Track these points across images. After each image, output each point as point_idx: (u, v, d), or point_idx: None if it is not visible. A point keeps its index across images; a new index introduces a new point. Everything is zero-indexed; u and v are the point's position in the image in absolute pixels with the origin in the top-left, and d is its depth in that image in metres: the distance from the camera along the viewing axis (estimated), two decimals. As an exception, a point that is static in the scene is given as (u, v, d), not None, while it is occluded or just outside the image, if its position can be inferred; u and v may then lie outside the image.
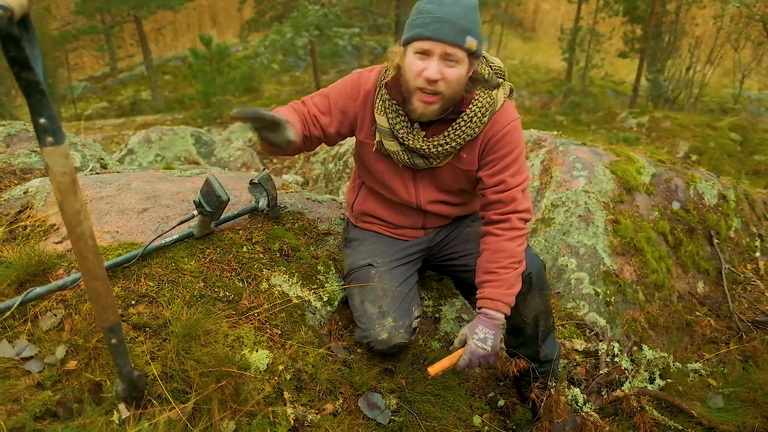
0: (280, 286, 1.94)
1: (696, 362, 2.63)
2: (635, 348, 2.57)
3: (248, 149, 5.80)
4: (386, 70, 1.75)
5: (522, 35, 26.01)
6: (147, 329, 1.58)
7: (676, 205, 3.38)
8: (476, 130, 1.72)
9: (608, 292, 2.77)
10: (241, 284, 1.86)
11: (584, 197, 3.09)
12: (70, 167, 1.06)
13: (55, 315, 1.55)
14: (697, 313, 3.06)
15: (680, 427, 2.10)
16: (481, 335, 1.73)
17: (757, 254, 3.59)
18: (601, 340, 2.55)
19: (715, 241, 3.44)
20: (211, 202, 1.76)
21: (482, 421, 1.92)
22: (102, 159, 3.23)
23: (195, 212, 1.82)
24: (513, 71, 18.87)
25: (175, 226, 1.84)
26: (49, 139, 1.03)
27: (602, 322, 2.64)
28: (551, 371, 2.03)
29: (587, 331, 2.61)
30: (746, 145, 8.90)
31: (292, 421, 1.58)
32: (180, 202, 2.11)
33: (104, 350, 1.50)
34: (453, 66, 1.56)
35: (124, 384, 1.37)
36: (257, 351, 1.68)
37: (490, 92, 1.71)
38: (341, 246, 2.18)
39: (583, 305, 2.70)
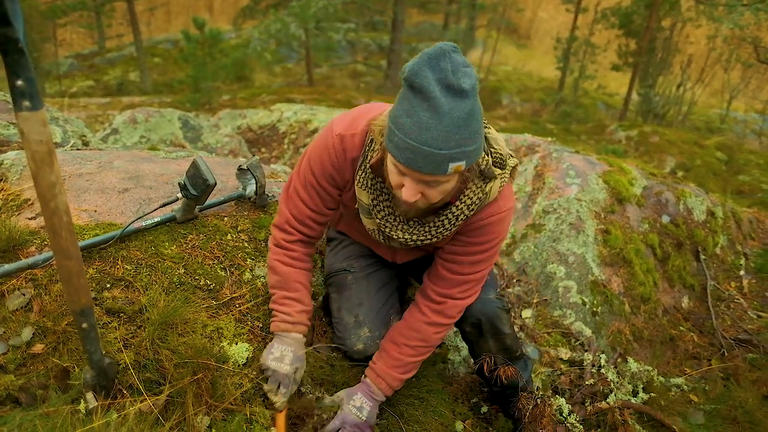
0: (264, 277, 1.86)
1: (678, 377, 2.62)
2: (620, 360, 2.54)
3: (236, 136, 5.69)
4: (371, 140, 1.47)
5: (517, 42, 26.10)
6: (121, 315, 1.50)
7: (665, 219, 3.37)
8: (460, 224, 1.51)
9: (595, 302, 2.74)
10: (223, 273, 1.78)
11: (576, 205, 3.06)
12: (47, 136, 0.98)
13: (24, 294, 1.45)
14: (681, 328, 3.05)
15: (662, 443, 2.07)
16: (358, 403, 1.64)
17: (742, 272, 3.60)
18: (586, 350, 2.52)
19: (702, 257, 3.44)
20: (197, 185, 1.68)
21: (464, 427, 1.87)
22: (84, 136, 3.11)
23: (179, 195, 1.73)
24: (506, 77, 18.92)
25: (157, 208, 1.76)
26: (26, 103, 0.95)
27: (588, 332, 2.61)
28: (519, 390, 1.94)
29: (573, 340, 2.58)
30: (731, 164, 9.00)
31: (271, 420, 1.51)
32: (164, 184, 2.02)
33: (74, 335, 1.41)
34: (435, 186, 1.30)
35: (94, 372, 1.29)
36: (237, 344, 1.60)
37: (483, 186, 1.45)
38: (324, 241, 2.12)
39: (570, 314, 2.66)
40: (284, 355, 1.58)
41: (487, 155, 1.41)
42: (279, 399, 1.55)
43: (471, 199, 1.44)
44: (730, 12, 9.66)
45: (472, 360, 2.16)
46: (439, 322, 1.66)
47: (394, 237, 1.55)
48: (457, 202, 1.45)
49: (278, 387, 1.55)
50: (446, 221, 1.48)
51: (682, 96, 12.86)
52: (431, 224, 1.50)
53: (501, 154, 1.46)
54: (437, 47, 1.17)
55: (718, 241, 3.61)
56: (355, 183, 1.54)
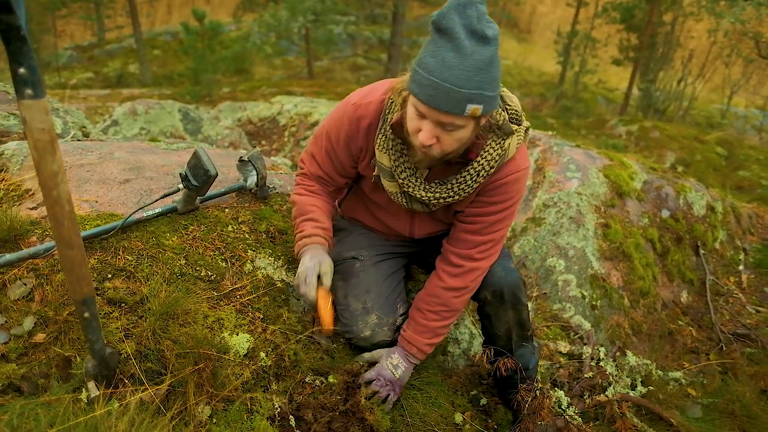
0: (265, 268, 1.87)
1: (677, 371, 2.63)
2: (619, 353, 2.55)
3: (237, 128, 5.67)
4: (391, 101, 1.54)
5: (517, 36, 26.02)
6: (123, 305, 1.50)
7: (665, 213, 3.38)
8: (482, 181, 1.56)
9: (595, 295, 2.75)
10: (224, 264, 1.78)
11: (576, 199, 3.06)
12: (49, 124, 0.98)
13: (25, 284, 1.46)
14: (680, 322, 3.06)
15: (660, 435, 2.08)
16: (395, 362, 1.73)
17: (741, 267, 3.61)
18: (585, 344, 2.52)
19: (701, 251, 3.45)
20: (198, 176, 1.68)
21: (464, 419, 1.88)
22: (84, 127, 3.11)
23: (180, 186, 1.73)
24: (507, 71, 18.87)
25: (158, 199, 1.76)
26: (29, 91, 0.94)
27: (587, 325, 2.62)
28: (527, 378, 1.97)
29: (572, 333, 2.59)
30: (732, 160, 9.00)
31: (271, 409, 1.52)
32: (165, 175, 2.02)
33: (75, 324, 1.41)
34: (451, 131, 1.35)
35: (95, 361, 1.29)
36: (238, 334, 1.61)
37: (502, 142, 1.50)
38: None
39: (569, 307, 2.67)
40: (303, 259, 1.67)
41: (504, 111, 1.50)
42: (309, 290, 1.61)
43: (491, 154, 1.50)
44: (732, 6, 9.62)
45: (471, 352, 2.17)
46: (457, 286, 1.70)
47: (417, 196, 1.60)
48: (478, 158, 1.51)
49: (319, 282, 1.64)
50: (468, 177, 1.53)
51: (683, 91, 12.84)
52: (453, 182, 1.56)
53: (516, 111, 1.54)
54: None
55: (718, 236, 3.62)
56: (376, 147, 1.60)
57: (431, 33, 1.29)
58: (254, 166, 2.02)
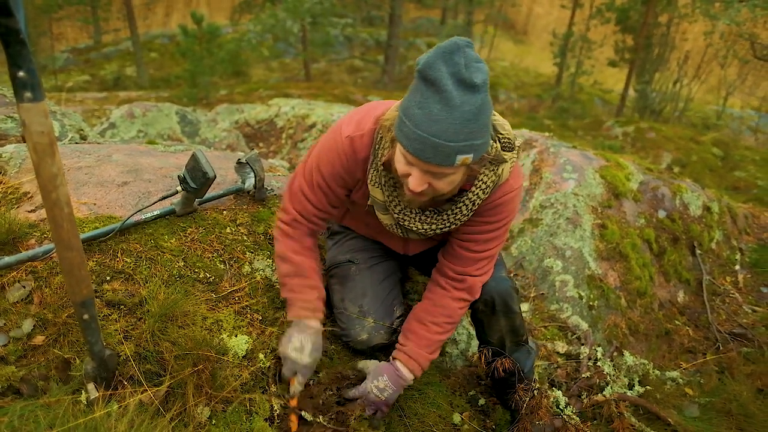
0: (263, 270, 1.87)
1: (674, 370, 2.64)
2: (616, 353, 2.56)
3: (234, 131, 5.68)
4: (380, 137, 1.48)
5: (514, 37, 26.09)
6: (121, 307, 1.51)
7: (662, 214, 3.39)
8: (476, 208, 1.54)
9: (592, 296, 2.76)
10: (222, 266, 1.79)
11: (573, 200, 3.07)
12: (48, 127, 0.99)
13: (24, 287, 1.46)
14: (677, 322, 3.07)
15: (657, 435, 2.09)
16: (382, 385, 1.65)
17: (737, 267, 3.62)
18: (582, 344, 2.53)
19: (698, 252, 3.46)
20: (196, 178, 1.68)
21: (462, 419, 1.88)
22: (82, 130, 3.11)
23: (179, 188, 1.74)
24: (503, 73, 18.92)
25: (156, 201, 1.76)
26: (28, 94, 0.95)
27: (584, 325, 2.63)
28: (524, 379, 1.96)
29: (569, 333, 2.60)
30: (727, 160, 9.04)
31: (270, 410, 1.53)
32: (162, 177, 2.02)
33: (74, 326, 1.42)
34: (442, 178, 1.32)
35: (95, 363, 1.30)
36: (236, 336, 1.61)
37: (495, 169, 1.47)
38: (325, 236, 2.12)
39: (567, 308, 2.68)
40: (304, 346, 1.58)
41: (496, 142, 1.44)
42: (296, 387, 1.58)
43: (485, 183, 1.48)
44: (727, 8, 9.67)
45: (469, 353, 2.18)
46: (464, 297, 1.69)
47: (413, 229, 1.58)
48: (473, 188, 1.48)
49: (295, 374, 1.58)
50: (463, 207, 1.52)
51: (679, 92, 12.89)
52: (449, 212, 1.53)
53: (509, 138, 1.48)
54: (452, 41, 1.19)
55: (714, 236, 3.64)
56: (368, 181, 1.56)
57: (417, 80, 1.23)
58: (252, 168, 2.02)
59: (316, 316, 1.66)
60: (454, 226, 1.57)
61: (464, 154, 1.24)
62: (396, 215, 1.57)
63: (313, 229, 1.72)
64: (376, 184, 1.54)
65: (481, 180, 1.47)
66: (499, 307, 1.77)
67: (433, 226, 1.56)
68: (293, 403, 1.58)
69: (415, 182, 1.32)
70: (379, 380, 1.66)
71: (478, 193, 1.49)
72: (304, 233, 1.71)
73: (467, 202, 1.50)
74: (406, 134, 1.25)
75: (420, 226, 1.57)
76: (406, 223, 1.57)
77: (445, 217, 1.55)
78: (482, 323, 1.84)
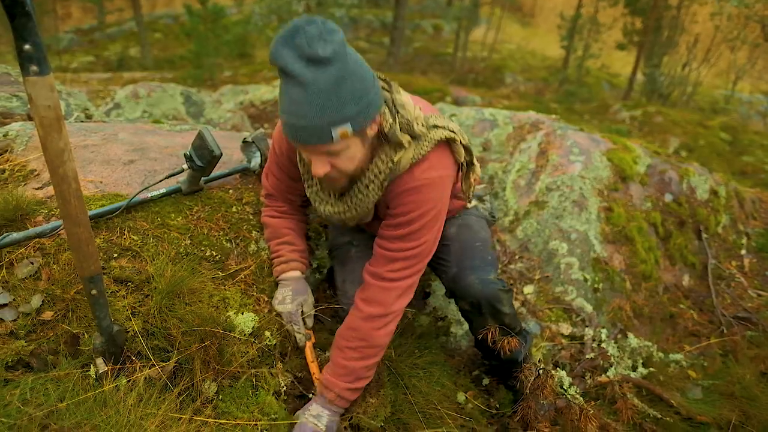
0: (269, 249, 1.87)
1: (678, 353, 2.64)
2: (620, 336, 2.57)
3: (239, 112, 5.66)
4: None
5: (521, 20, 25.76)
6: (129, 284, 1.51)
7: (668, 197, 3.37)
8: (375, 196, 1.50)
9: (597, 279, 2.75)
10: (228, 245, 1.79)
11: (579, 182, 3.06)
12: (55, 101, 0.98)
13: (32, 263, 1.47)
14: (681, 305, 3.07)
15: (659, 416, 2.11)
16: (315, 412, 1.53)
17: (743, 252, 3.61)
18: (587, 326, 2.54)
19: (704, 235, 3.45)
20: (202, 156, 1.68)
21: (466, 398, 1.90)
22: (87, 109, 3.10)
23: (185, 166, 1.74)
24: (510, 56, 18.71)
25: (162, 179, 1.76)
26: (34, 68, 0.95)
27: (589, 308, 2.63)
28: (518, 361, 1.95)
29: (574, 316, 2.60)
30: (735, 145, 8.95)
31: (276, 385, 1.54)
32: (168, 156, 2.02)
33: (83, 302, 1.43)
34: (337, 154, 1.31)
35: (103, 338, 1.31)
36: (243, 314, 1.62)
37: (393, 155, 1.41)
38: None
39: (572, 290, 2.68)
40: (285, 297, 1.71)
41: (392, 118, 1.38)
42: (300, 338, 1.68)
43: (379, 167, 1.44)
44: (739, -10, 9.51)
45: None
46: (374, 314, 1.54)
47: (323, 211, 1.62)
48: (367, 172, 1.46)
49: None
50: (358, 192, 1.51)
51: (688, 76, 12.74)
52: (351, 194, 1.54)
53: (408, 120, 1.39)
54: (291, 25, 1.17)
55: (721, 220, 3.62)
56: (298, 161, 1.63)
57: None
58: (258, 147, 2.02)
59: (291, 267, 1.75)
60: (355, 212, 1.55)
61: (339, 125, 1.22)
62: (312, 197, 1.64)
63: (289, 198, 1.81)
64: (302, 163, 1.61)
65: (375, 164, 1.43)
66: (485, 309, 1.76)
67: (338, 209, 1.58)
68: (308, 345, 1.70)
69: (316, 166, 1.33)
70: (311, 409, 1.55)
71: (370, 177, 1.45)
72: (279, 203, 1.83)
73: (360, 186, 1.49)
74: (284, 123, 1.27)
75: (331, 210, 1.60)
76: (316, 205, 1.62)
77: (347, 199, 1.54)
78: (471, 321, 1.85)
